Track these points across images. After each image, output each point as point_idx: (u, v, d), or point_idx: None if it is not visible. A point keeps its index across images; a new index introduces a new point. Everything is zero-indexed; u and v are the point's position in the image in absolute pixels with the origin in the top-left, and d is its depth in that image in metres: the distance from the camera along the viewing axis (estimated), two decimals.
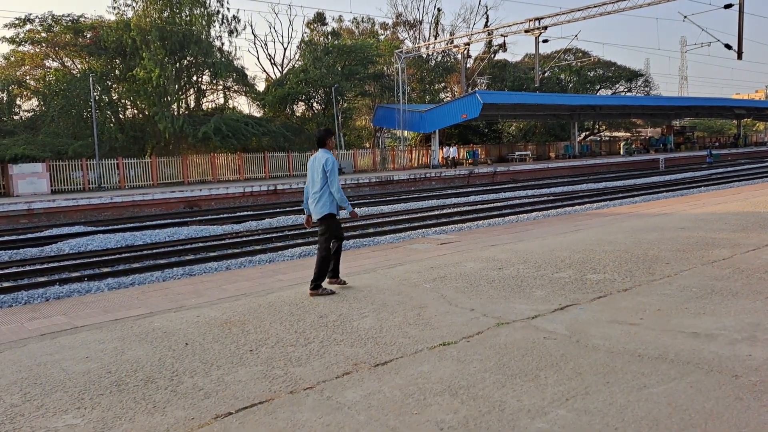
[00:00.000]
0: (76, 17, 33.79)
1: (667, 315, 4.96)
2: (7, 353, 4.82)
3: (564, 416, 3.19)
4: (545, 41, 34.57)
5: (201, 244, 13.36)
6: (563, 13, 31.99)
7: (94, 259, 11.82)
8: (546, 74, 53.23)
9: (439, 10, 54.00)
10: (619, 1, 29.66)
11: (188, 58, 34.95)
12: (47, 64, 34.87)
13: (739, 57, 28.69)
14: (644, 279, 6.29)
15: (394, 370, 3.99)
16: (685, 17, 31.03)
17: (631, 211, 13.35)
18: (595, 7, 30.72)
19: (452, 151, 38.98)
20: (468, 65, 48.90)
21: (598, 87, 60.92)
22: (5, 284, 10.11)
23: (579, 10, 31.26)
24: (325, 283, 6.46)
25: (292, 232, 14.72)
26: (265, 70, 56.92)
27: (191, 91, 37.59)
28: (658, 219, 11.27)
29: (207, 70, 36.72)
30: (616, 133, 68.45)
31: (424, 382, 3.75)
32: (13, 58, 33.88)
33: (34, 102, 34.36)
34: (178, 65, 34.44)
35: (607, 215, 12.65)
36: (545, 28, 32.86)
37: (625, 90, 63.25)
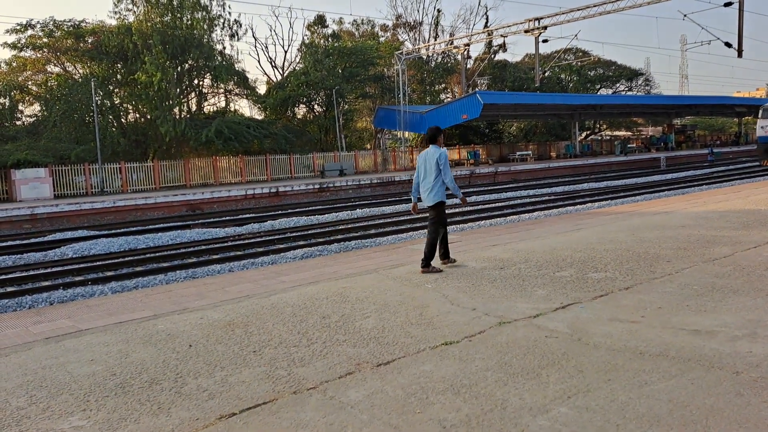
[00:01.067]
0: (77, 22, 33.91)
1: (668, 312, 4.98)
2: (13, 357, 4.86)
3: (566, 414, 3.21)
4: (545, 41, 34.61)
5: (204, 247, 13.41)
6: (563, 13, 32.02)
7: (98, 263, 11.87)
8: (546, 74, 53.23)
9: (438, 11, 53.99)
10: (618, 1, 29.68)
11: (189, 62, 35.05)
12: (49, 69, 34.99)
13: (740, 55, 28.71)
14: (645, 277, 6.31)
15: (396, 370, 4.02)
16: (685, 16, 31.04)
17: (632, 209, 13.36)
18: (594, 6, 30.74)
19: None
20: (468, 66, 48.96)
21: (598, 86, 60.91)
22: (9, 289, 10.16)
23: (578, 10, 31.28)
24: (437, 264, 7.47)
25: (294, 234, 14.76)
26: (266, 73, 57.03)
27: (193, 94, 37.69)
28: (659, 217, 11.28)
29: (208, 74, 36.83)
30: (617, 132, 68.42)
31: (426, 381, 3.78)
32: (15, 64, 34.02)
33: (36, 107, 34.47)
34: (179, 69, 34.54)
35: (608, 214, 12.67)
36: (545, 28, 32.88)
37: (626, 89, 63.24)
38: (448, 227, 7.85)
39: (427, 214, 7.54)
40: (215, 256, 12.43)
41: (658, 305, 5.20)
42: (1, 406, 3.79)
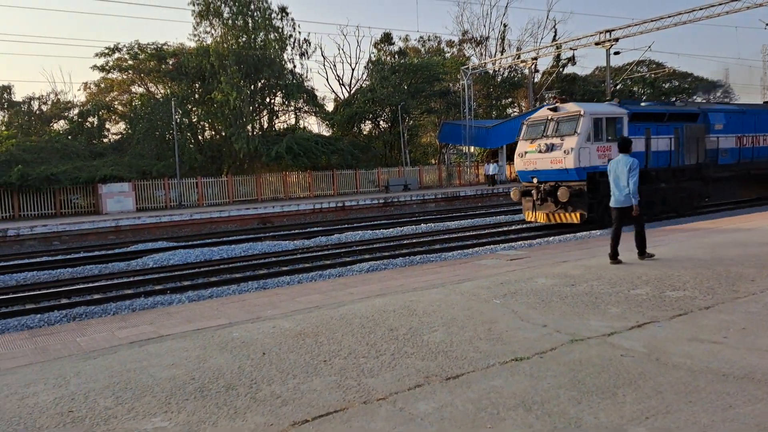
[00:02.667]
0: (159, 45, 35.91)
1: (753, 334, 4.72)
2: (101, 359, 5.16)
3: None
4: (617, 53, 33.65)
5: (274, 259, 13.78)
6: (635, 25, 31.10)
7: (176, 273, 12.42)
8: (618, 87, 51.68)
9: (505, 26, 53.58)
10: (694, 11, 28.56)
11: (262, 81, 36.34)
12: (133, 89, 37.16)
13: None
14: (727, 296, 6.01)
15: (465, 384, 4.00)
16: (767, 25, 29.44)
17: (711, 226, 12.73)
18: (669, 17, 29.69)
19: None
20: (535, 80, 48.25)
21: (673, 99, 58.59)
22: (96, 296, 10.79)
23: (652, 21, 30.29)
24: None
25: (360, 248, 14.93)
26: (333, 91, 58.15)
27: (264, 112, 38.99)
28: (741, 234, 10.70)
29: (279, 92, 38.03)
30: None
31: (496, 397, 3.75)
32: (103, 85, 36.35)
33: (122, 125, 36.64)
34: (252, 88, 35.86)
35: (685, 231, 12.13)
36: (616, 40, 32.03)
37: (704, 102, 60.49)
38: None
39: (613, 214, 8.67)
40: (285, 268, 12.75)
41: (742, 326, 4.95)
42: (91, 405, 4.04)
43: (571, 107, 16.11)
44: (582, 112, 15.51)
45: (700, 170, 18.17)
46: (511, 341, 4.91)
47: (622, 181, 8.35)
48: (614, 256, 8.36)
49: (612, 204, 8.59)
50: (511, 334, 5.11)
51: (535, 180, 16.52)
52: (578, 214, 15.60)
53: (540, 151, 16.15)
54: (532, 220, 16.93)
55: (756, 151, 20.37)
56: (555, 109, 16.34)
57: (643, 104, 19.18)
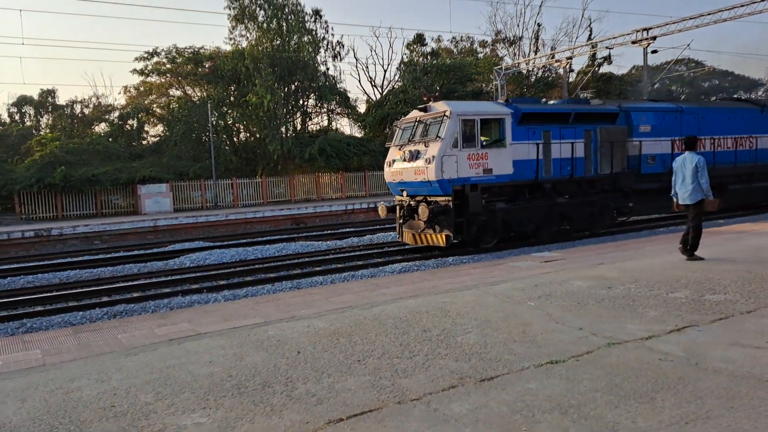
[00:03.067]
0: (196, 49, 36.61)
1: None
2: (141, 356, 5.30)
3: None
4: (654, 52, 32.89)
5: (307, 259, 13.91)
6: (674, 23, 30.36)
7: (212, 273, 12.65)
8: (655, 86, 50.60)
9: (539, 25, 52.92)
10: (735, 8, 27.74)
11: (296, 83, 36.72)
12: (171, 92, 37.98)
13: None
14: None
15: (500, 386, 3.99)
16: None
17: (752, 229, 12.37)
18: (708, 14, 28.91)
19: None
20: (570, 79, 47.55)
21: (713, 98, 57.10)
22: (135, 294, 11.07)
23: (691, 19, 29.52)
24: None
25: (391, 249, 14.95)
26: (365, 92, 58.41)
27: (298, 114, 39.38)
28: None
29: (313, 94, 38.37)
30: None
31: (531, 399, 3.72)
32: (142, 88, 37.25)
33: (160, 128, 37.47)
34: (286, 90, 36.26)
35: (724, 233, 11.81)
36: (654, 38, 31.32)
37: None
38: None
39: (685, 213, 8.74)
40: (318, 268, 12.86)
41: None
42: (132, 400, 4.15)
43: (439, 106, 13.27)
44: (448, 113, 12.72)
45: (617, 180, 15.24)
46: (546, 344, 4.87)
47: (687, 179, 8.53)
48: (685, 250, 8.67)
49: (681, 202, 8.79)
50: (546, 337, 5.06)
51: (404, 193, 13.99)
52: (443, 236, 12.99)
53: (404, 160, 13.53)
54: (401, 240, 14.73)
55: None
56: (425, 109, 13.71)
57: (552, 102, 16.58)
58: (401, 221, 14.17)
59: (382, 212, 14.50)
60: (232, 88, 36.43)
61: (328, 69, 38.47)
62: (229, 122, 36.99)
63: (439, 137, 12.63)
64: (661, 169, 15.74)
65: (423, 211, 12.87)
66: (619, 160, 15.19)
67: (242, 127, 37.99)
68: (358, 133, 43.37)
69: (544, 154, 13.97)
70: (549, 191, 14.39)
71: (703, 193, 8.46)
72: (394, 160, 14.09)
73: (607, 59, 43.28)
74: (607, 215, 15.53)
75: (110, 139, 33.92)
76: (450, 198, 12.76)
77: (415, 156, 13.15)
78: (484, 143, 13.24)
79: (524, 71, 47.19)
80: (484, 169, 13.11)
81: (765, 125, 18.69)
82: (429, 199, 13.25)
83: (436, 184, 12.70)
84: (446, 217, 12.86)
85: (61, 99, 40.63)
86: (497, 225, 13.69)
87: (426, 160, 12.78)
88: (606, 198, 15.27)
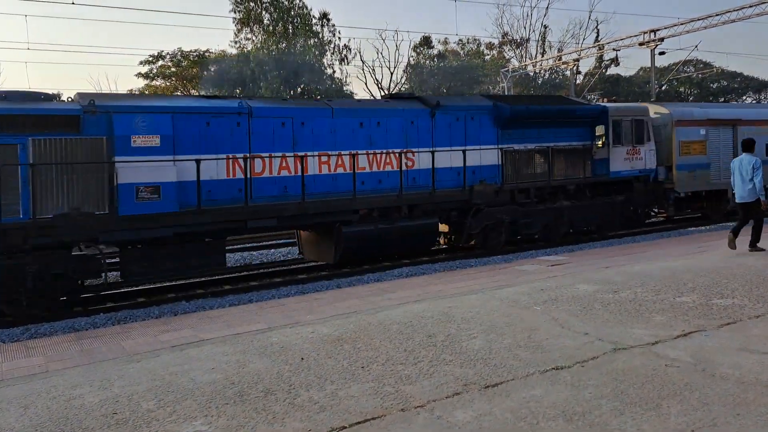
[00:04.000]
0: (201, 52, 36.75)
1: None
2: (144, 362, 5.29)
3: None
4: (662, 53, 32.77)
5: (313, 263, 13.88)
6: (681, 24, 30.20)
7: (216, 277, 12.64)
8: (663, 87, 50.39)
9: (546, 27, 52.86)
10: (743, 8, 27.57)
11: (302, 86, 36.80)
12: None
13: None
14: None
15: (504, 393, 3.95)
16: None
17: None
18: (716, 15, 28.74)
19: None
20: (577, 81, 47.42)
21: (722, 100, 56.76)
22: (139, 299, 11.07)
23: (699, 20, 29.36)
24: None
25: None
26: (372, 95, 58.41)
27: None
28: None
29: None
30: None
31: (536, 406, 3.68)
32: (147, 92, 37.41)
33: None
34: (292, 93, 36.33)
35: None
36: (662, 40, 31.17)
37: (754, 102, 58.44)
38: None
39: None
40: (324, 272, 12.84)
41: None
42: (134, 408, 4.13)
43: None
44: None
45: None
46: (552, 349, 4.82)
47: (746, 178, 9.26)
48: (733, 241, 9.21)
49: (738, 200, 9.55)
50: (552, 342, 5.02)
51: None
52: None
53: None
54: None
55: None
56: None
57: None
58: None
59: None
60: (238, 90, 36.52)
61: (334, 72, 38.58)
62: None
63: None
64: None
65: None
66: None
67: None
68: None
69: None
70: None
71: (757, 192, 9.20)
72: None
73: (615, 61, 43.11)
74: None
75: None
76: None
77: None
78: None
79: (531, 73, 47.11)
80: None
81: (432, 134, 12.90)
82: None
83: None
84: None
85: None
86: None
87: None
88: None
